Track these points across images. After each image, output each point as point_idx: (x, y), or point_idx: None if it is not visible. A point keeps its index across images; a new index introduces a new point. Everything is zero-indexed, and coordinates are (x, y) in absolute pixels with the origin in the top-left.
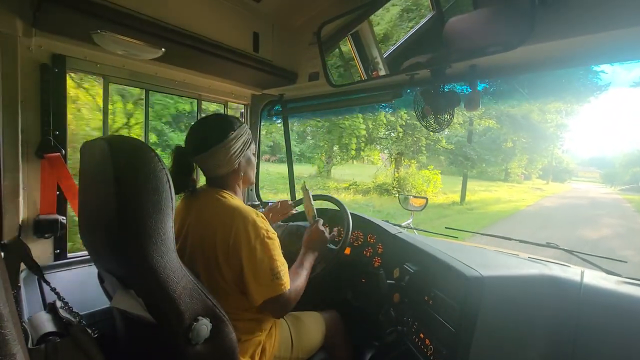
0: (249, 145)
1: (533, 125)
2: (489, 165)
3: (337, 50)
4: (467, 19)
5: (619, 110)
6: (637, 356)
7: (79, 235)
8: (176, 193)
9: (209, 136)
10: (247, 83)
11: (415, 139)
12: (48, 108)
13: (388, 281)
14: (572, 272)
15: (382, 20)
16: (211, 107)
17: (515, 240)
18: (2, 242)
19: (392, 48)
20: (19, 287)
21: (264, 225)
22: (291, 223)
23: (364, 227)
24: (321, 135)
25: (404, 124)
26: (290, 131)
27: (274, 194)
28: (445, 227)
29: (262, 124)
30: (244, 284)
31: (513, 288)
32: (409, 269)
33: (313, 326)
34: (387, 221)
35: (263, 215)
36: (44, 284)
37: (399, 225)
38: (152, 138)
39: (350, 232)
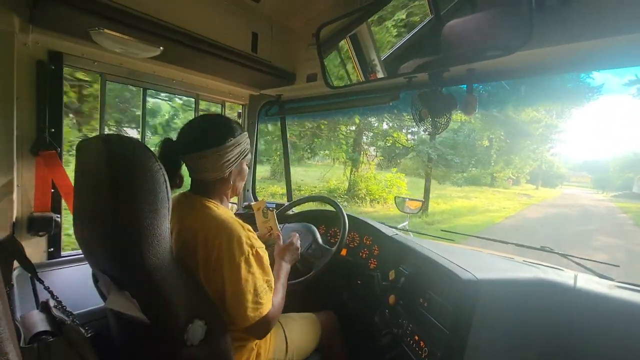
0: (245, 156)
1: (513, 121)
2: (449, 167)
3: (335, 51)
4: (465, 22)
5: (613, 114)
6: (629, 359)
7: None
8: None
9: (204, 137)
10: (245, 83)
11: (373, 134)
12: (44, 105)
13: (383, 283)
14: (566, 275)
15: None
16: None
17: (511, 243)
18: None
19: (390, 51)
20: (12, 285)
21: (249, 241)
22: (287, 225)
23: (360, 228)
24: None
25: (357, 121)
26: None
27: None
28: (441, 230)
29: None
30: (225, 306)
31: (507, 291)
32: (404, 271)
33: (308, 328)
34: (384, 223)
35: (250, 228)
36: (37, 283)
37: (395, 227)
38: None
39: (346, 234)
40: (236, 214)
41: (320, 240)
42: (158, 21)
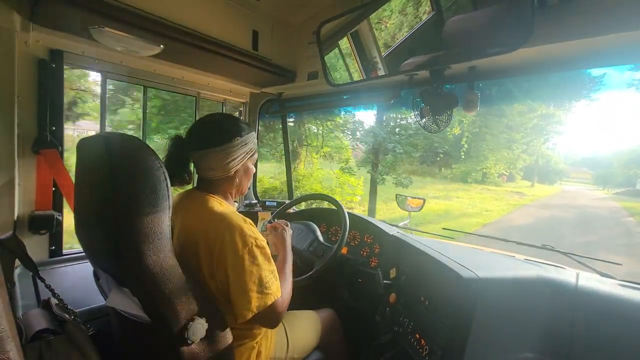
0: (252, 155)
1: (500, 110)
2: (398, 160)
3: (336, 49)
4: (466, 20)
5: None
6: (631, 358)
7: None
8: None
9: (212, 136)
10: (246, 81)
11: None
12: (45, 103)
13: (384, 281)
14: (567, 274)
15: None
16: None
17: (512, 242)
18: None
19: (392, 48)
20: (14, 283)
21: (252, 233)
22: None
23: (361, 227)
24: None
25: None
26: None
27: None
28: (443, 228)
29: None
30: (230, 299)
31: (509, 289)
32: (405, 269)
33: (309, 325)
34: (384, 221)
35: (252, 222)
36: (38, 281)
37: (396, 226)
38: None
39: (347, 232)
40: (237, 212)
41: (321, 238)
42: (158, 19)
